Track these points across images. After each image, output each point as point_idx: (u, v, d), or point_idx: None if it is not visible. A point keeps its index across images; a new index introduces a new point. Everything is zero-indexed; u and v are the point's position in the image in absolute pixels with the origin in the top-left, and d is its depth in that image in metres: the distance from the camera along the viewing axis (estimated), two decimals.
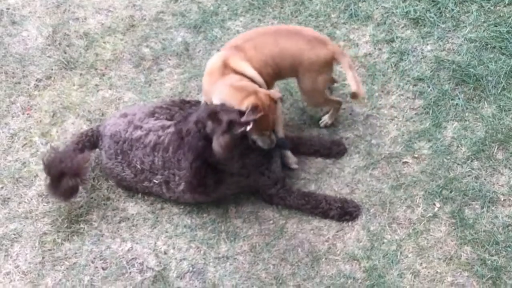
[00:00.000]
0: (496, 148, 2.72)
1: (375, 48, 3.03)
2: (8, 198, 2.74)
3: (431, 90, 2.89)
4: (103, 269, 2.55)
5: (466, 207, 2.59)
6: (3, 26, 3.26)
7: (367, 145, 2.78)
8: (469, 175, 2.66)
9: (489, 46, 2.97)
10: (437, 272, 2.46)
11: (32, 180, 2.77)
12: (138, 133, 2.59)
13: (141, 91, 3.01)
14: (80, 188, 2.72)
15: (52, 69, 3.10)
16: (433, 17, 3.08)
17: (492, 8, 3.08)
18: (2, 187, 2.77)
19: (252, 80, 2.44)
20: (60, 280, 2.53)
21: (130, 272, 2.53)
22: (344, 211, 2.57)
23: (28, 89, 3.05)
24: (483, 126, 2.77)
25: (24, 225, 2.67)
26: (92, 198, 2.72)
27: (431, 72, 2.94)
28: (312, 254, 2.53)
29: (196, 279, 2.51)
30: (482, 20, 3.05)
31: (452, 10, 3.09)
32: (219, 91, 2.38)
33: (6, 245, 2.62)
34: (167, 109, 2.73)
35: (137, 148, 2.58)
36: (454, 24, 3.06)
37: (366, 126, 2.83)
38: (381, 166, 2.72)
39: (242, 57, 2.43)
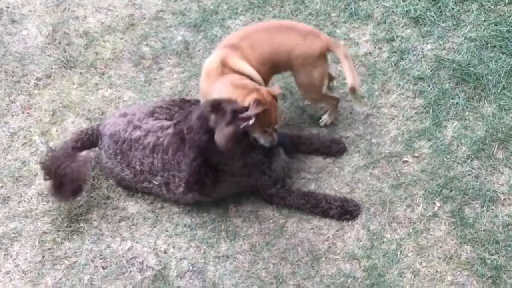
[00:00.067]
0: (496, 147, 2.72)
1: (375, 47, 3.03)
2: (8, 197, 2.74)
3: (431, 89, 2.89)
4: (103, 268, 2.55)
5: (466, 206, 2.59)
6: (3, 24, 3.26)
7: (367, 144, 2.78)
8: (469, 174, 2.66)
9: (489, 45, 2.97)
10: (437, 271, 2.46)
11: (32, 179, 2.77)
12: (137, 133, 2.59)
13: (141, 90, 3.01)
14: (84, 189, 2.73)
15: (52, 68, 3.10)
16: (433, 16, 3.07)
17: (492, 7, 3.08)
18: (2, 186, 2.77)
19: (251, 78, 2.44)
20: (60, 279, 2.53)
21: (130, 271, 2.53)
22: (344, 210, 2.57)
23: (28, 88, 3.05)
24: (483, 125, 2.77)
25: (24, 224, 2.67)
26: (92, 197, 2.72)
27: (431, 71, 2.94)
28: (312, 253, 2.53)
29: (196, 278, 2.51)
30: (483, 19, 3.04)
31: (452, 9, 3.09)
32: (219, 90, 2.38)
33: (6, 244, 2.62)
34: (167, 109, 2.73)
35: (136, 149, 2.57)
36: (455, 23, 3.06)
37: (366, 125, 2.83)
38: (381, 165, 2.72)
39: (239, 55, 2.42)
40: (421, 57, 2.98)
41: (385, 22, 3.09)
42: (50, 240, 2.62)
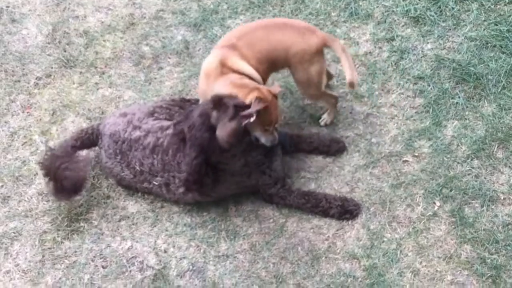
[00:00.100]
0: (496, 147, 2.72)
1: (375, 47, 3.03)
2: (8, 197, 2.74)
3: (431, 88, 2.89)
4: (103, 267, 2.55)
5: (466, 205, 2.59)
6: (3, 24, 3.26)
7: (367, 144, 2.78)
8: (469, 174, 2.66)
9: (489, 44, 2.97)
10: (437, 270, 2.47)
11: (32, 179, 2.77)
12: (137, 133, 2.58)
13: (141, 89, 3.01)
14: (83, 189, 2.73)
15: (52, 67, 3.10)
16: (433, 16, 3.07)
17: (492, 6, 3.08)
18: (2, 186, 2.77)
19: (250, 78, 2.44)
20: (60, 278, 2.54)
21: (130, 271, 2.54)
22: (345, 210, 2.57)
23: (28, 87, 3.05)
24: (483, 124, 2.77)
25: (24, 224, 2.67)
26: (92, 196, 2.72)
27: (431, 70, 2.94)
28: (312, 253, 2.53)
29: (196, 278, 2.51)
30: (483, 19, 3.04)
31: (453, 8, 3.09)
32: (219, 90, 2.37)
33: (6, 244, 2.62)
34: (167, 109, 2.72)
35: (136, 149, 2.57)
36: (455, 22, 3.06)
37: (366, 124, 2.83)
38: (381, 165, 2.72)
39: (238, 55, 2.42)
40: (421, 57, 2.98)
41: (385, 21, 3.09)
42: (50, 240, 2.63)
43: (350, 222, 2.59)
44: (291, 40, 2.45)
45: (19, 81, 3.07)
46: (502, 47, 2.95)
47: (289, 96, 2.93)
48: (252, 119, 2.24)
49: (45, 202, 2.72)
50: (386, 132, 2.80)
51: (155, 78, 3.04)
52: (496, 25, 3.01)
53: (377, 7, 3.14)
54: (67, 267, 2.56)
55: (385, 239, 2.54)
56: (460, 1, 3.12)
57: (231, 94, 2.30)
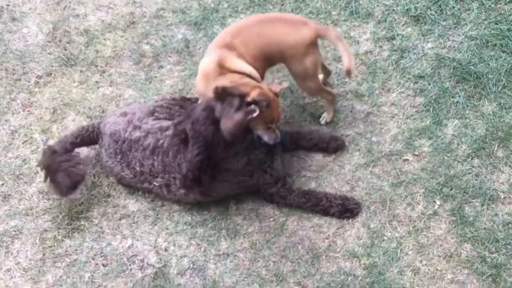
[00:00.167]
0: (496, 146, 2.72)
1: (375, 46, 3.03)
2: (9, 195, 2.74)
3: (431, 87, 2.89)
4: (103, 265, 2.55)
5: (466, 204, 2.60)
6: (3, 22, 3.26)
7: (367, 143, 2.78)
8: (469, 173, 2.66)
9: (489, 43, 2.97)
10: (437, 269, 2.47)
11: (32, 177, 2.78)
12: (137, 134, 2.57)
13: (141, 88, 3.01)
14: (81, 185, 2.73)
15: (52, 66, 3.10)
16: (433, 15, 3.07)
17: (493, 5, 3.07)
18: (2, 184, 2.77)
19: (250, 76, 2.44)
20: (60, 276, 2.54)
21: (131, 269, 2.54)
22: (345, 208, 2.57)
23: (28, 86, 3.05)
24: (483, 123, 2.77)
25: (24, 222, 2.67)
26: (92, 195, 2.72)
27: (431, 69, 2.94)
28: (312, 251, 2.53)
29: (196, 276, 2.51)
30: (483, 18, 3.04)
31: (453, 7, 3.09)
32: None
33: (6, 242, 2.63)
34: (167, 108, 2.72)
35: (136, 150, 2.56)
36: (455, 21, 3.06)
37: (367, 123, 2.83)
38: (381, 164, 2.72)
39: (235, 55, 2.42)
40: (422, 56, 2.98)
41: (385, 20, 3.09)
42: (50, 238, 2.63)
43: (350, 220, 2.59)
44: (284, 33, 2.44)
45: (19, 79, 3.08)
46: (502, 46, 2.95)
47: (290, 95, 2.93)
48: (255, 114, 2.23)
49: (46, 201, 2.72)
50: (387, 131, 2.81)
51: (156, 77, 3.04)
52: (497, 24, 3.01)
53: (378, 6, 3.14)
54: (67, 265, 2.56)
55: (385, 238, 2.54)
56: (460, 0, 3.12)
57: (235, 85, 2.29)
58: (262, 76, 2.54)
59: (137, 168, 2.57)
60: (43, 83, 3.06)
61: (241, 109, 2.21)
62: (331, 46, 3.03)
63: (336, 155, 2.76)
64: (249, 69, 2.43)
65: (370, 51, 3.02)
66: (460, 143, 2.74)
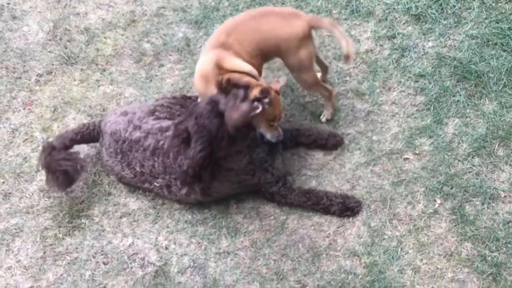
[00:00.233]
0: (497, 145, 2.72)
1: (376, 44, 3.03)
2: (10, 193, 2.74)
3: (432, 86, 2.89)
4: (104, 264, 2.56)
5: (466, 203, 2.60)
6: (4, 21, 3.25)
7: (368, 141, 2.78)
8: (470, 172, 2.66)
9: (490, 42, 2.97)
10: (437, 268, 2.47)
11: (33, 175, 2.78)
12: (137, 134, 2.57)
13: (142, 86, 3.01)
14: (81, 183, 2.74)
15: (53, 64, 3.10)
16: (434, 14, 3.07)
17: (493, 4, 3.07)
18: (3, 182, 2.77)
19: (249, 75, 2.43)
20: (61, 275, 2.54)
21: (131, 267, 2.54)
22: (346, 207, 2.57)
23: (29, 84, 3.05)
24: (484, 122, 2.77)
25: (25, 220, 2.67)
26: (93, 193, 2.73)
27: (432, 68, 2.94)
28: (312, 250, 2.54)
29: (197, 274, 2.51)
30: (484, 17, 3.04)
31: (454, 6, 3.09)
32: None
33: (7, 240, 2.63)
34: (168, 108, 2.71)
35: (137, 150, 2.56)
36: (456, 20, 3.06)
37: (367, 122, 2.83)
38: (382, 162, 2.72)
39: (232, 54, 2.41)
40: (422, 55, 2.98)
41: (386, 19, 3.09)
42: (51, 236, 2.63)
43: (350, 219, 2.60)
44: (277, 27, 2.43)
45: (20, 78, 3.07)
46: (503, 45, 2.95)
47: (290, 94, 2.93)
48: (258, 111, 2.22)
49: (46, 199, 2.72)
50: (387, 129, 2.81)
51: (156, 75, 3.04)
52: (497, 23, 3.01)
53: (378, 4, 3.14)
54: (68, 263, 2.57)
55: (385, 237, 2.55)
56: None
57: (239, 76, 2.28)
58: (260, 73, 2.54)
59: (138, 169, 2.57)
60: (43, 82, 3.06)
61: (246, 100, 2.21)
62: (331, 45, 3.03)
63: (336, 154, 2.76)
64: (247, 67, 2.43)
65: (371, 50, 3.02)
66: (460, 142, 2.74)
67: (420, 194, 2.63)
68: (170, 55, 3.10)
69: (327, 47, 3.03)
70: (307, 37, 2.47)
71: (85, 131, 2.69)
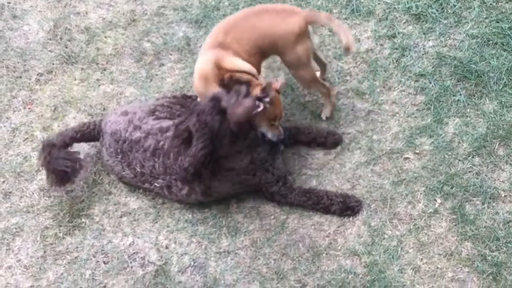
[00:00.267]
0: (497, 144, 2.72)
1: (376, 44, 3.03)
2: (10, 192, 2.74)
3: (432, 86, 2.89)
4: (104, 263, 2.56)
5: (467, 203, 2.60)
6: (4, 20, 3.25)
7: (368, 141, 2.78)
8: (470, 171, 2.66)
9: (491, 42, 2.97)
10: (437, 267, 2.47)
11: (33, 175, 2.78)
12: (137, 134, 2.56)
13: (142, 86, 3.01)
14: (82, 182, 2.74)
15: (53, 64, 3.10)
16: (435, 13, 3.07)
17: (494, 4, 3.07)
18: (3, 181, 2.77)
19: (249, 74, 2.43)
20: (61, 274, 2.54)
21: (132, 267, 2.54)
22: (346, 206, 2.57)
23: (29, 83, 3.05)
24: (484, 122, 2.77)
25: (25, 219, 2.67)
26: (93, 192, 2.73)
27: (432, 68, 2.94)
28: (313, 249, 2.54)
29: (197, 274, 2.52)
30: (484, 16, 3.04)
31: (454, 6, 3.09)
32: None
33: (7, 239, 2.63)
34: (168, 107, 2.70)
35: (137, 151, 2.55)
36: (456, 20, 3.05)
37: (368, 121, 2.83)
38: (382, 162, 2.72)
39: (231, 53, 2.41)
40: (423, 54, 2.98)
41: (386, 18, 3.09)
42: (51, 235, 2.63)
43: (351, 219, 2.60)
44: (274, 24, 2.43)
45: (20, 77, 3.07)
46: (503, 45, 2.95)
47: (290, 93, 2.93)
48: (260, 109, 2.22)
49: (47, 198, 2.72)
50: (387, 129, 2.81)
51: (157, 75, 3.04)
52: (498, 22, 3.01)
53: (379, 4, 3.13)
54: (68, 262, 2.57)
55: (386, 236, 2.55)
56: None
57: (240, 74, 2.28)
58: (258, 71, 2.54)
59: (138, 169, 2.57)
60: (44, 81, 3.06)
61: (249, 96, 2.21)
62: (332, 44, 3.03)
63: (336, 153, 2.76)
64: (247, 66, 2.43)
65: (371, 49, 3.02)
66: (461, 141, 2.74)
67: (421, 193, 2.63)
68: (171, 54, 3.10)
69: (327, 46, 3.03)
70: (303, 33, 2.46)
71: (85, 130, 2.69)
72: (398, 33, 3.04)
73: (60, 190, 2.66)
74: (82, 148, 2.80)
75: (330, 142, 2.75)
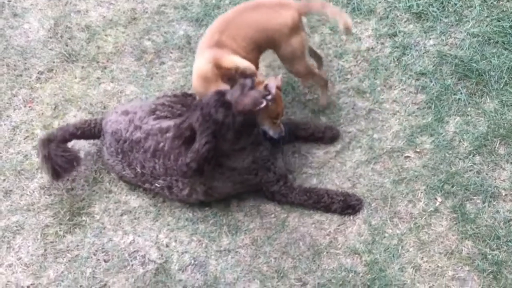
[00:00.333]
0: (498, 143, 2.72)
1: (377, 42, 3.03)
2: (10, 191, 2.74)
3: (433, 84, 2.89)
4: (105, 261, 2.56)
5: (467, 201, 2.60)
6: (5, 18, 3.25)
7: (369, 140, 2.78)
8: (470, 170, 2.66)
9: (491, 41, 2.97)
10: (438, 266, 2.47)
11: (34, 173, 2.78)
12: (138, 135, 2.56)
13: (143, 84, 3.00)
14: (82, 181, 2.74)
15: (53, 62, 3.10)
16: (436, 12, 3.07)
17: (495, 2, 3.07)
18: (4, 180, 2.77)
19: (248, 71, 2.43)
20: (62, 272, 2.54)
21: (132, 265, 2.54)
22: (347, 205, 2.57)
23: (30, 81, 3.05)
24: (485, 121, 2.77)
25: (26, 218, 2.67)
26: (94, 191, 2.73)
27: (433, 66, 2.93)
28: (313, 248, 2.54)
29: (197, 272, 2.52)
30: (485, 15, 3.04)
31: (455, 4, 3.08)
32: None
33: (8, 237, 2.63)
34: (169, 107, 2.69)
35: (138, 151, 2.55)
36: (457, 18, 3.05)
37: (368, 120, 2.83)
38: (383, 161, 2.72)
39: (229, 52, 2.40)
40: (424, 53, 2.98)
41: (387, 17, 3.09)
42: (52, 234, 2.63)
43: (351, 217, 2.60)
44: (267, 19, 2.43)
45: (21, 75, 3.07)
46: (504, 44, 2.94)
47: (291, 92, 2.93)
48: (263, 105, 2.22)
49: (47, 196, 2.72)
50: (388, 128, 2.80)
51: (157, 73, 3.04)
52: (499, 21, 3.01)
53: (380, 2, 3.13)
54: (69, 261, 2.57)
55: (386, 235, 2.55)
56: None
57: (242, 68, 2.29)
58: (256, 67, 2.53)
59: (138, 169, 2.56)
60: (44, 79, 3.06)
61: (254, 88, 2.22)
62: (332, 43, 3.03)
63: (337, 152, 2.76)
64: (245, 63, 2.42)
65: (372, 48, 3.01)
66: (461, 140, 2.74)
67: (421, 192, 2.63)
68: (171, 52, 3.09)
69: (328, 45, 3.03)
70: (297, 25, 2.46)
71: (86, 127, 2.68)
72: (399, 31, 3.04)
73: (52, 181, 2.66)
74: (82, 147, 2.81)
75: (328, 137, 2.75)
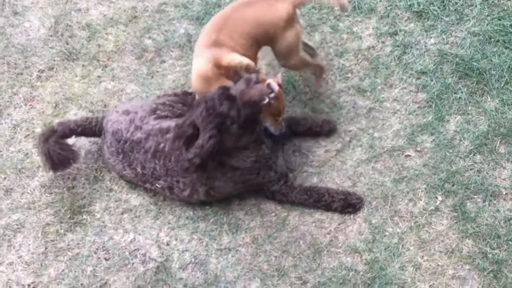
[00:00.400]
0: (498, 142, 2.72)
1: (378, 41, 3.03)
2: (11, 189, 2.74)
3: (434, 83, 2.89)
4: (105, 259, 2.56)
5: (468, 200, 2.60)
6: (5, 16, 3.25)
7: (369, 138, 2.78)
8: (471, 169, 2.66)
9: (492, 39, 2.97)
10: (438, 265, 2.47)
11: (34, 171, 2.78)
12: (138, 135, 2.55)
13: (143, 82, 3.00)
14: (83, 179, 2.74)
15: (54, 60, 3.10)
16: (436, 10, 3.06)
17: (496, 1, 3.07)
18: (5, 178, 2.77)
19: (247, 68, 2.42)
20: (62, 270, 2.55)
21: (133, 263, 2.54)
22: (347, 203, 2.57)
23: (30, 80, 3.05)
24: (485, 120, 2.77)
25: (27, 216, 2.67)
26: (94, 189, 2.73)
27: (434, 65, 2.93)
28: (314, 247, 2.54)
29: (198, 270, 2.52)
30: (486, 14, 3.04)
31: (456, 3, 3.08)
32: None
33: (9, 236, 2.63)
34: (170, 106, 2.69)
35: (138, 152, 2.55)
36: (458, 17, 3.05)
37: (369, 119, 2.83)
38: (383, 159, 2.72)
39: (227, 50, 2.40)
40: (424, 52, 2.98)
41: (388, 16, 3.09)
42: (53, 232, 2.63)
43: (352, 216, 2.60)
44: (263, 13, 2.43)
45: (21, 73, 3.07)
46: (505, 42, 2.94)
47: (292, 91, 2.93)
48: (265, 102, 2.22)
49: (48, 195, 2.72)
50: (389, 126, 2.80)
51: (158, 72, 3.04)
52: (500, 20, 3.01)
53: (380, 1, 3.13)
54: (69, 259, 2.57)
55: (387, 233, 2.55)
56: None
57: (246, 64, 2.30)
58: (256, 63, 2.53)
59: (139, 170, 2.56)
60: (45, 77, 3.06)
61: (258, 83, 2.22)
62: (333, 42, 3.03)
63: (337, 151, 2.76)
64: (245, 61, 2.42)
65: (373, 47, 3.01)
66: (462, 139, 2.74)
67: (422, 191, 2.63)
68: (172, 51, 3.09)
69: (329, 43, 3.03)
70: (292, 18, 2.46)
71: (86, 125, 2.68)
72: (400, 30, 3.04)
73: (49, 172, 2.68)
74: (83, 145, 2.81)
75: (326, 130, 2.76)
